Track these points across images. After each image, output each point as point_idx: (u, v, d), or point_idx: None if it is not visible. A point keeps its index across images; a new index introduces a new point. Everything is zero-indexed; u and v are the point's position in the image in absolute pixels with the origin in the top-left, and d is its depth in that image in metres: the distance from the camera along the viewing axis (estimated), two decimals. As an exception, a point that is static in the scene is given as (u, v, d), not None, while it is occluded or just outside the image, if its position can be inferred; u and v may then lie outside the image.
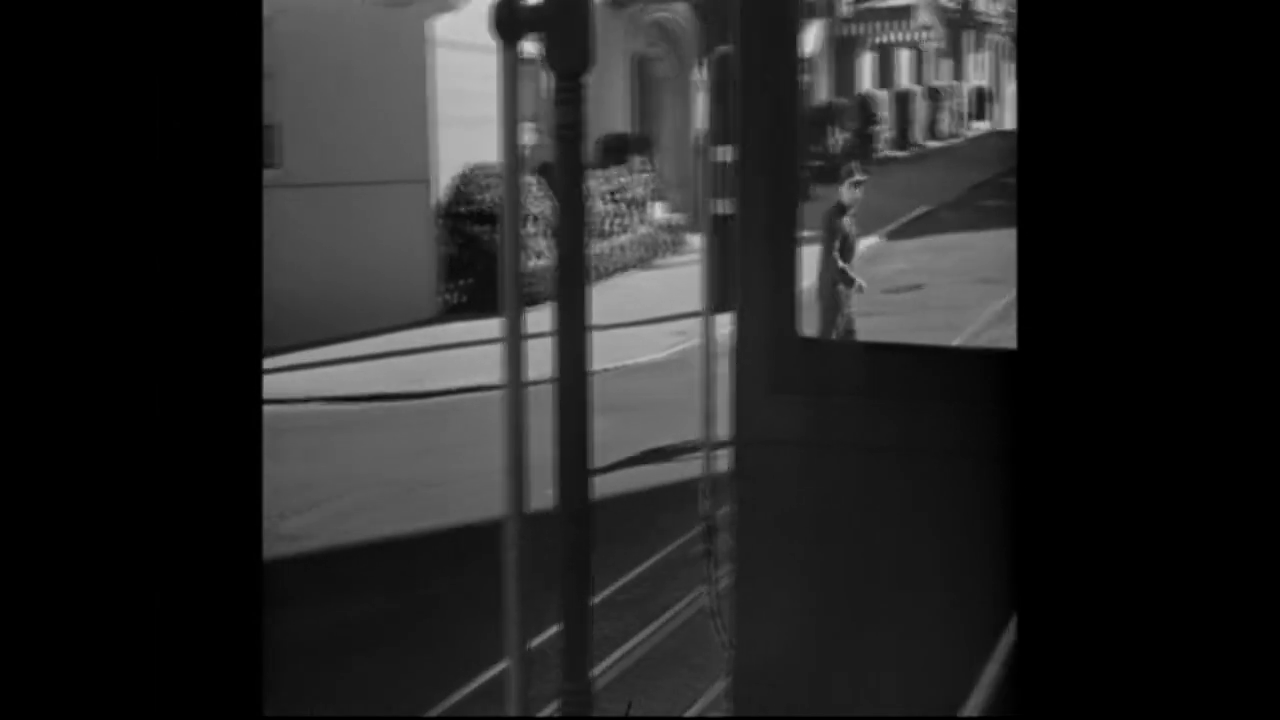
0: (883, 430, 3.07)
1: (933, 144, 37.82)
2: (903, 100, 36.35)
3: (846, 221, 11.37)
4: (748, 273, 3.11)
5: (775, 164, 3.13)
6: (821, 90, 32.41)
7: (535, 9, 2.13)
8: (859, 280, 11.46)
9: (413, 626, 8.16)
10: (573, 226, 2.20)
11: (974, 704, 2.09)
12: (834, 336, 10.78)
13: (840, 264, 11.20)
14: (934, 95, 39.26)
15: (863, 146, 32.37)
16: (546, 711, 2.31)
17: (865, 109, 33.19)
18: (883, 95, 34.48)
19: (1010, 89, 51.61)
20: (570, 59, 2.15)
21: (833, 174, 29.59)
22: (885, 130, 34.13)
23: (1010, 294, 17.04)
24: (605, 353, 11.24)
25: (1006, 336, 16.07)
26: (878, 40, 35.91)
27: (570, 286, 2.18)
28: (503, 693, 2.20)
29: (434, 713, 3.76)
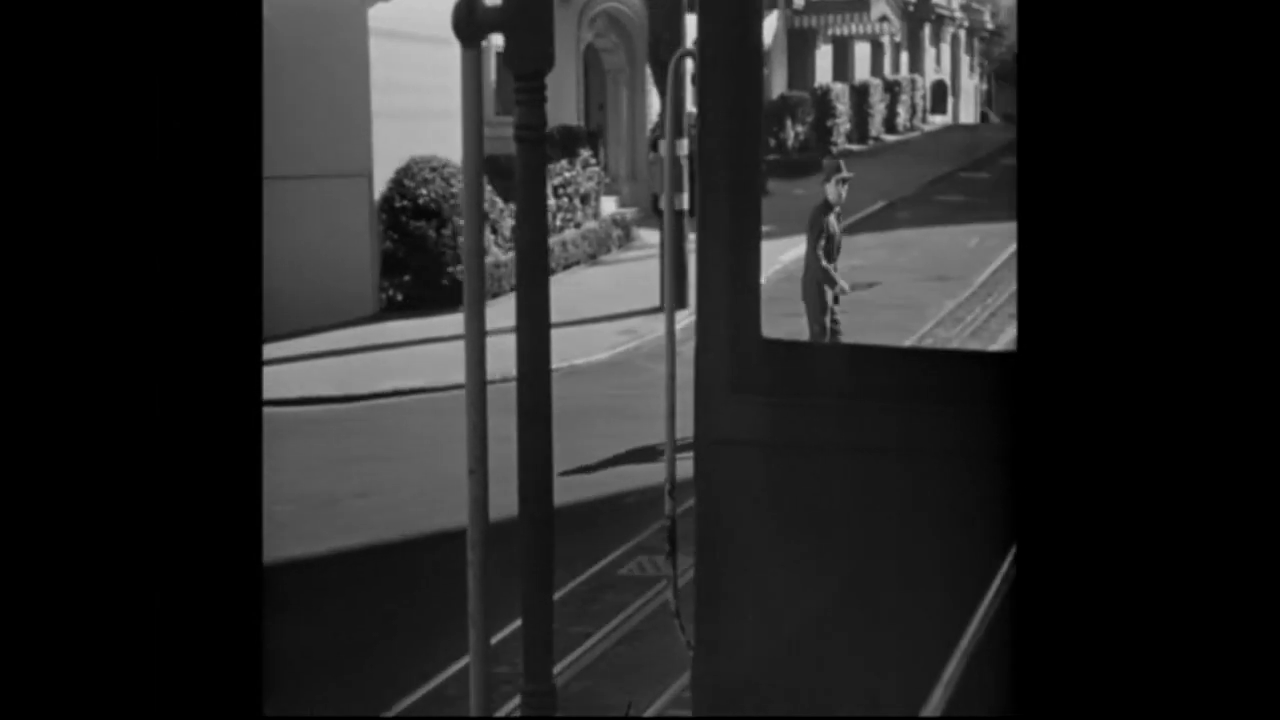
0: (844, 430, 3.07)
1: (890, 138, 37.36)
2: (860, 93, 35.86)
3: (831, 220, 10.99)
4: (708, 272, 3.08)
5: (736, 160, 3.08)
6: (777, 83, 31.85)
7: (495, 10, 2.12)
8: (841, 283, 11.13)
9: (327, 661, 7.52)
10: (535, 227, 2.17)
11: (935, 702, 2.06)
12: (825, 338, 10.51)
13: (824, 264, 10.84)
14: (892, 88, 38.78)
15: (819, 140, 31.84)
16: (504, 712, 2.35)
17: (822, 102, 32.65)
18: (840, 88, 33.97)
19: (968, 82, 51.34)
20: (531, 59, 2.13)
21: (789, 169, 29.36)
22: (842, 124, 33.63)
23: (964, 293, 16.72)
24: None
25: (954, 337, 15.75)
26: (834, 32, 35.40)
27: (532, 287, 2.16)
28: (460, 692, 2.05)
29: (391, 713, 3.92)
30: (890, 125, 38.29)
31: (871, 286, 11.67)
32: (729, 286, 3.10)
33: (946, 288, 17.13)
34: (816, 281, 10.92)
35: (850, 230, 23.23)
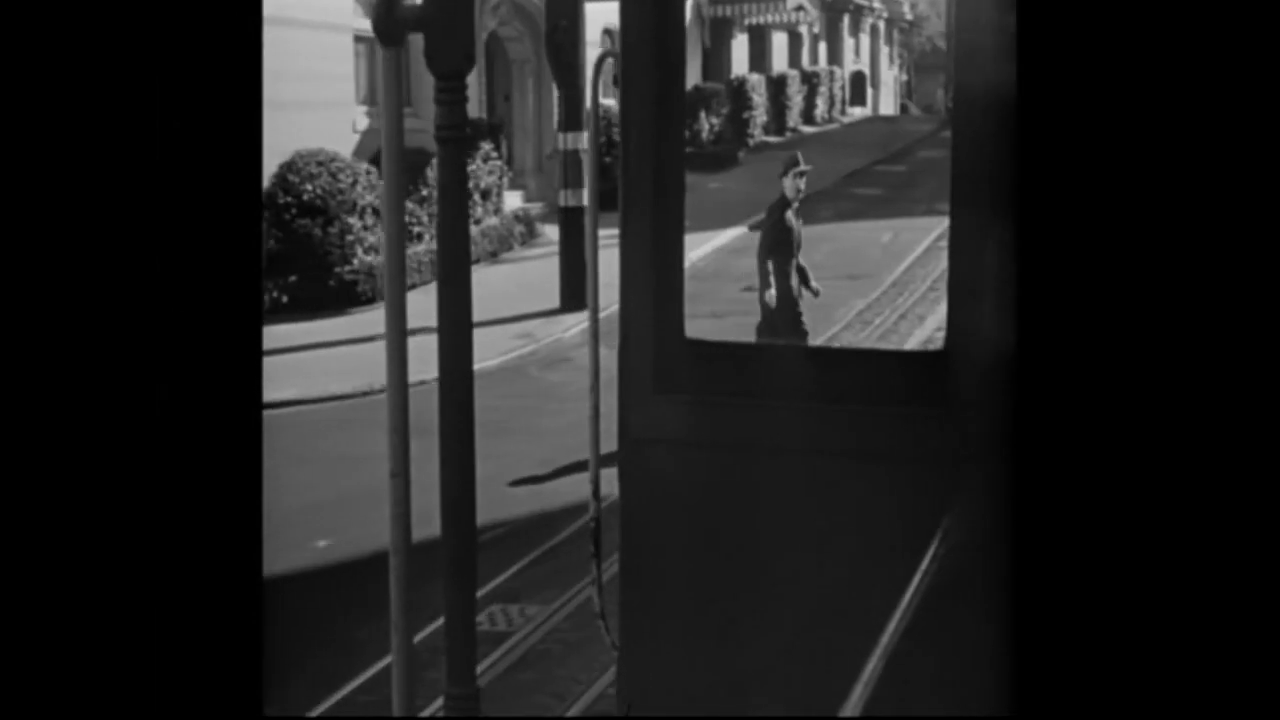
0: (766, 430, 3.10)
1: (808, 129, 36.80)
2: (777, 85, 35.24)
3: (790, 217, 10.32)
4: (631, 271, 3.09)
5: (659, 157, 3.07)
6: (692, 74, 31.12)
7: (415, 9, 2.13)
8: (815, 284, 10.50)
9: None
10: (457, 227, 2.20)
11: (854, 701, 2.10)
12: (804, 339, 10.10)
13: (800, 263, 10.18)
14: (810, 80, 38.21)
15: (735, 132, 31.15)
16: (428, 712, 2.52)
17: (738, 94, 31.94)
18: (756, 79, 33.32)
19: (888, 73, 50.96)
20: (451, 59, 2.15)
21: (703, 162, 28.67)
22: (759, 115, 32.98)
23: (874, 292, 16.09)
24: (432, 360, 10.35)
25: (859, 340, 15.05)
26: (750, 22, 34.74)
27: (454, 286, 2.18)
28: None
29: (316, 712, 4.02)
30: (808, 117, 37.74)
31: (818, 295, 11.07)
32: (652, 286, 3.09)
33: (857, 286, 16.48)
34: (786, 294, 10.08)
35: (760, 225, 22.80)
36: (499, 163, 20.50)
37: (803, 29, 39.31)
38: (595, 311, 3.71)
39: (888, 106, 49.98)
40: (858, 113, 43.19)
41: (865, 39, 47.87)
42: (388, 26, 2.08)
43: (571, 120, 15.90)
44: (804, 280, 10.25)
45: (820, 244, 19.95)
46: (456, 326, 2.17)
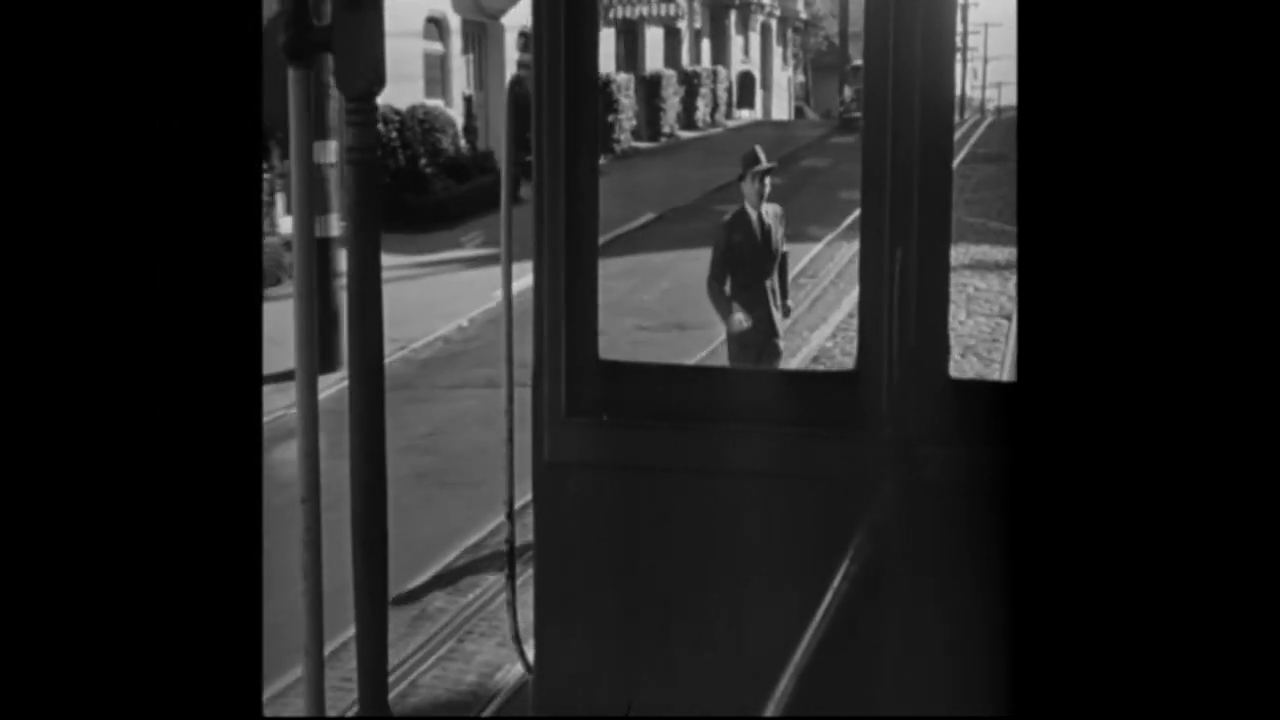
0: (679, 452, 3.11)
1: (687, 134, 33.26)
2: (651, 84, 31.63)
3: (760, 221, 8.39)
4: (544, 293, 3.11)
5: (572, 175, 3.07)
6: (544, 71, 27.34)
7: (325, 29, 2.16)
8: (790, 302, 8.96)
9: None
10: (368, 252, 2.19)
11: (774, 704, 2.13)
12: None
13: (717, 291, 8.39)
14: (690, 80, 34.64)
15: (599, 136, 27.39)
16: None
17: (602, 94, 28.18)
18: (625, 79, 29.63)
19: (781, 74, 47.55)
20: (362, 79, 2.15)
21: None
22: (626, 119, 29.29)
23: (701, 351, 12.63)
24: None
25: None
26: (619, 15, 31.02)
27: (364, 314, 2.22)
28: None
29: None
30: (688, 121, 34.20)
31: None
32: (565, 308, 3.10)
33: (684, 342, 12.76)
34: (765, 317, 8.41)
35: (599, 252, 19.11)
36: (268, 175, 16.61)
37: (681, 24, 35.66)
38: (510, 334, 3.55)
39: (782, 110, 46.64)
40: (745, 116, 39.81)
41: (755, 37, 44.45)
42: (298, 46, 2.12)
43: (319, 125, 11.92)
44: (781, 294, 8.62)
45: (657, 279, 16.25)
46: (367, 351, 2.19)
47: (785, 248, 8.59)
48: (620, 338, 13.61)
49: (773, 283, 8.49)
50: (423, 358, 13.34)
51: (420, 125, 21.02)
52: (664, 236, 19.10)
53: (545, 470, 3.13)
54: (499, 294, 13.09)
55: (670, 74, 33.17)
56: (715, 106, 36.54)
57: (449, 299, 15.44)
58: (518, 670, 6.01)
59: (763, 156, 8.53)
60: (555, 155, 3.03)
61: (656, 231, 19.76)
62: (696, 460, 3.09)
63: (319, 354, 2.41)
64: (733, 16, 41.12)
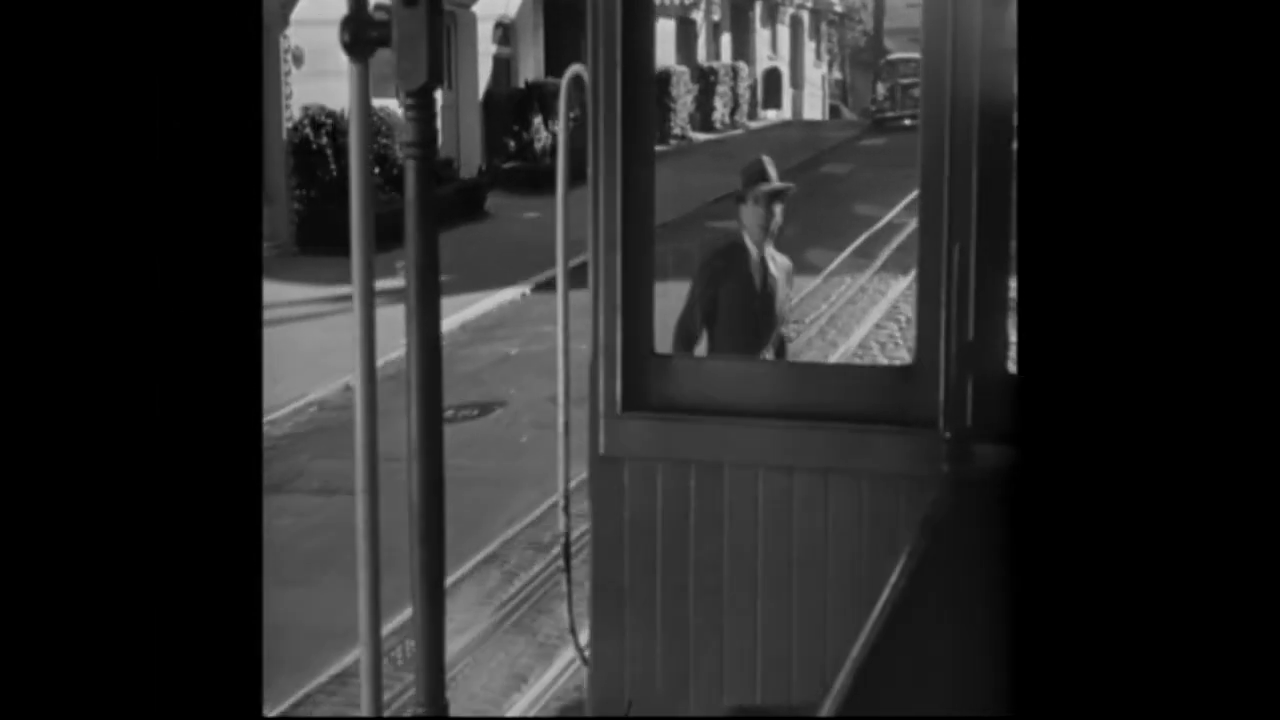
0: (734, 446, 3.10)
1: (702, 136, 30.11)
2: (660, 83, 28.41)
3: (759, 264, 5.72)
4: (603, 288, 3.14)
5: (629, 167, 3.13)
6: (526, 68, 24.17)
7: (385, 24, 2.15)
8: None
9: None
10: (426, 247, 2.19)
11: (831, 701, 2.10)
12: None
13: (782, 337, 5.90)
14: (706, 77, 31.45)
15: (655, 128, 24.23)
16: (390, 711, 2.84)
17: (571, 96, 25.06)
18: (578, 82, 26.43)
19: (814, 71, 44.26)
20: (421, 75, 2.15)
21: (530, 180, 21.77)
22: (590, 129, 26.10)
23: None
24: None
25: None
26: (621, 5, 27.86)
27: (424, 309, 2.20)
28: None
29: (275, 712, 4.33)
30: (704, 122, 31.03)
31: (487, 414, 6.96)
32: (621, 302, 3.12)
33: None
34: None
35: (550, 287, 15.95)
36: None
37: (697, 15, 32.45)
38: (566, 322, 3.53)
39: (815, 110, 43.32)
40: (771, 117, 36.60)
41: (784, 31, 41.15)
42: (357, 41, 2.12)
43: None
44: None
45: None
46: (427, 345, 2.20)
47: (790, 316, 6.16)
48: (530, 411, 10.47)
49: (776, 340, 5.91)
50: (277, 434, 10.23)
51: (364, 129, 17.95)
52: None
53: (600, 463, 3.19)
54: (464, 315, 9.98)
55: (682, 70, 29.99)
56: (735, 106, 33.36)
57: (347, 345, 12.31)
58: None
59: (772, 171, 5.72)
60: (611, 148, 3.14)
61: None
62: (751, 455, 3.10)
63: None
64: (758, 9, 37.83)
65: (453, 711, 2.29)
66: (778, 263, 5.78)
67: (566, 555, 3.57)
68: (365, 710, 2.22)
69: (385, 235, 12.02)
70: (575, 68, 3.50)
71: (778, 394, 3.14)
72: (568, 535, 3.57)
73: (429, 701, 2.24)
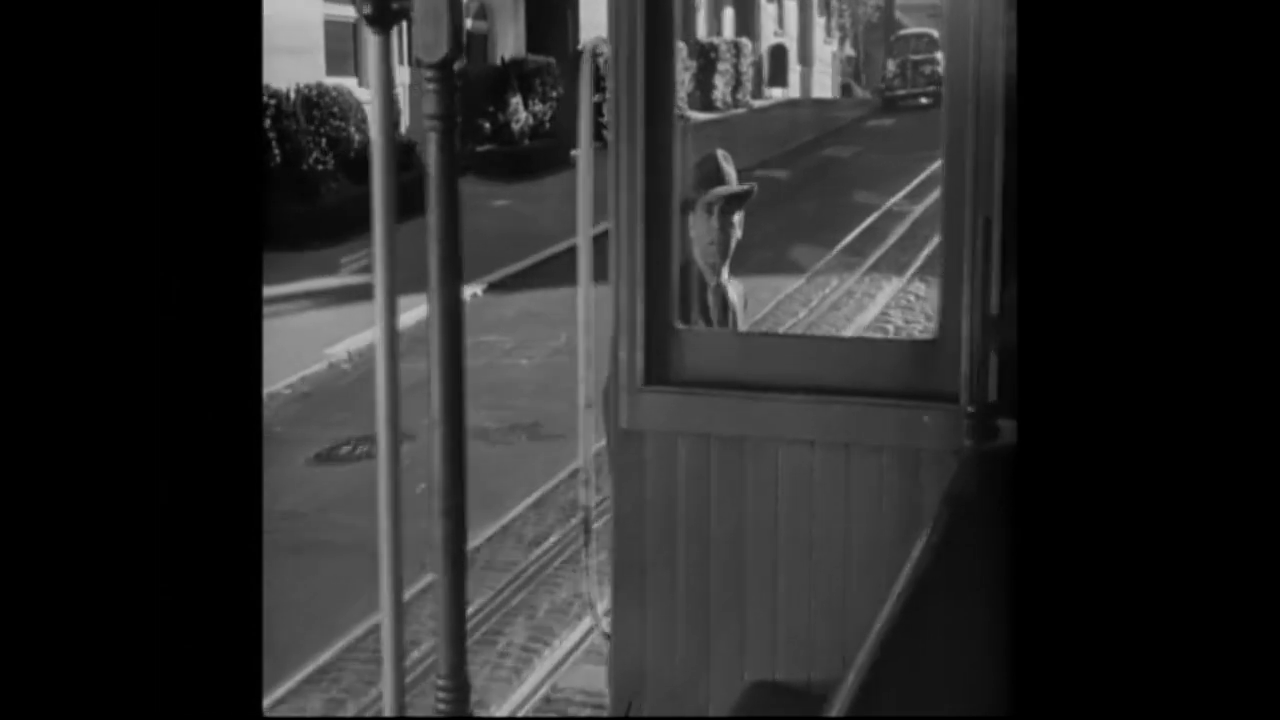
0: (756, 419, 3.12)
1: (701, 116, 28.49)
2: (654, 59, 26.79)
3: (736, 303, 4.35)
4: (622, 262, 3.14)
5: (650, 136, 3.14)
6: (506, 42, 22.54)
7: None
8: None
9: None
10: (448, 220, 2.23)
11: (846, 690, 2.08)
12: None
13: None
14: (706, 53, 29.84)
15: (574, 123, 22.66)
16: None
17: (592, 68, 23.42)
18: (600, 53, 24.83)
19: (824, 48, 42.60)
20: (441, 47, 2.16)
21: (508, 165, 20.20)
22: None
23: (550, 483, 8.14)
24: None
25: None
26: (613, -24, 26.24)
27: (447, 281, 2.22)
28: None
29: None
30: (705, 101, 29.40)
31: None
32: (641, 275, 3.13)
33: (528, 464, 8.09)
34: None
35: (503, 284, 14.32)
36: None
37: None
38: (588, 301, 3.53)
39: (825, 88, 41.62)
40: (777, 95, 34.94)
41: (791, 6, 39.42)
42: (380, 13, 2.14)
43: None
44: None
45: (553, 331, 11.42)
46: (449, 318, 2.23)
47: None
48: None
49: None
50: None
51: (313, 110, 16.39)
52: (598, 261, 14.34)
53: (622, 437, 3.20)
54: (337, 350, 8.83)
55: (679, 46, 28.34)
56: (738, 84, 31.70)
57: (283, 350, 10.80)
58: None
59: (729, 169, 4.34)
60: (632, 119, 3.12)
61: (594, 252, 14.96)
62: (772, 429, 3.10)
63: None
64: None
65: None
66: (732, 289, 4.28)
67: (586, 529, 3.54)
68: (387, 683, 2.26)
69: (334, 227, 10.37)
70: (596, 38, 3.45)
71: (799, 368, 3.13)
72: (589, 509, 3.53)
73: (450, 673, 2.28)
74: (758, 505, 3.11)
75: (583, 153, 3.47)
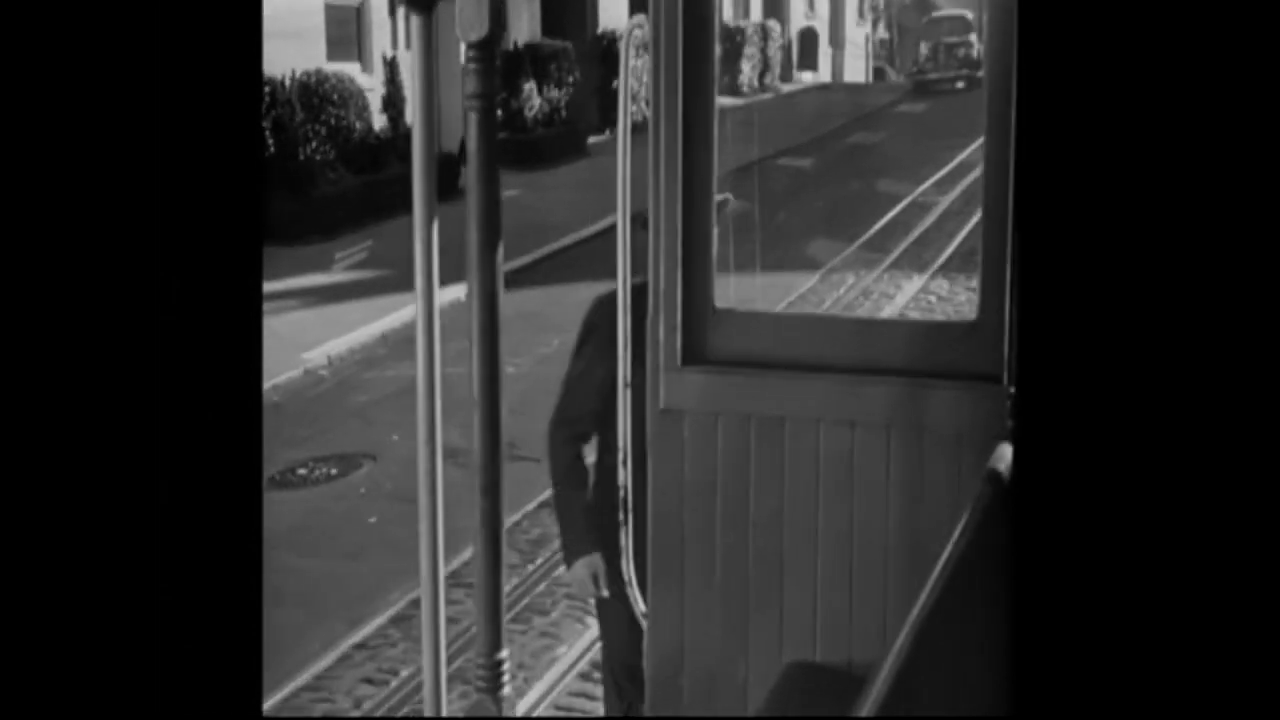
0: (797, 400, 3.11)
1: (728, 101, 27.66)
2: (675, 42, 25.97)
3: None
4: (662, 242, 3.12)
5: (690, 124, 3.12)
6: (520, 26, 21.78)
7: None
8: None
9: None
10: (488, 197, 2.24)
11: (884, 674, 2.03)
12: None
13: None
14: (731, 37, 29.07)
15: (602, 108, 21.93)
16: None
17: (606, 55, 22.58)
18: (637, 34, 24.01)
19: (856, 31, 41.65)
20: (482, 26, 2.17)
21: (518, 152, 19.48)
22: (631, 84, 23.67)
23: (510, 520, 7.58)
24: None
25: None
26: (634, -42, 25.42)
27: (485, 258, 2.27)
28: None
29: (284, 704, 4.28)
30: (731, 85, 28.61)
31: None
32: (681, 255, 3.11)
33: (507, 481, 7.28)
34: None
35: (504, 283, 13.66)
36: None
37: (724, -30, 29.97)
38: (626, 282, 3.33)
39: (858, 72, 40.68)
40: (808, 79, 34.07)
41: (823, -13, 38.40)
42: None
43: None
44: None
45: (549, 333, 10.76)
46: (487, 296, 2.24)
47: None
48: (401, 470, 8.17)
49: None
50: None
51: (312, 98, 15.72)
52: (606, 258, 13.63)
53: (660, 417, 3.17)
54: (315, 355, 8.26)
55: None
56: (765, 69, 30.88)
57: (275, 348, 10.15)
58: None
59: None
60: (672, 99, 3.10)
61: (600, 249, 14.20)
62: (811, 409, 3.08)
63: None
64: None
65: None
66: None
67: (625, 508, 3.41)
68: (426, 661, 2.26)
69: (332, 219, 9.73)
70: (638, 18, 3.37)
71: (839, 348, 3.11)
72: (626, 488, 3.41)
73: (488, 651, 2.31)
74: (796, 485, 3.10)
75: (621, 140, 3.38)
